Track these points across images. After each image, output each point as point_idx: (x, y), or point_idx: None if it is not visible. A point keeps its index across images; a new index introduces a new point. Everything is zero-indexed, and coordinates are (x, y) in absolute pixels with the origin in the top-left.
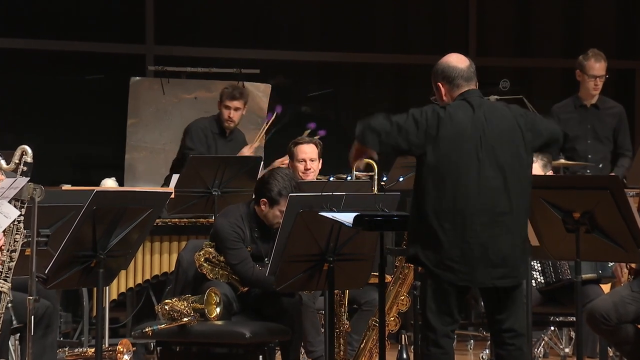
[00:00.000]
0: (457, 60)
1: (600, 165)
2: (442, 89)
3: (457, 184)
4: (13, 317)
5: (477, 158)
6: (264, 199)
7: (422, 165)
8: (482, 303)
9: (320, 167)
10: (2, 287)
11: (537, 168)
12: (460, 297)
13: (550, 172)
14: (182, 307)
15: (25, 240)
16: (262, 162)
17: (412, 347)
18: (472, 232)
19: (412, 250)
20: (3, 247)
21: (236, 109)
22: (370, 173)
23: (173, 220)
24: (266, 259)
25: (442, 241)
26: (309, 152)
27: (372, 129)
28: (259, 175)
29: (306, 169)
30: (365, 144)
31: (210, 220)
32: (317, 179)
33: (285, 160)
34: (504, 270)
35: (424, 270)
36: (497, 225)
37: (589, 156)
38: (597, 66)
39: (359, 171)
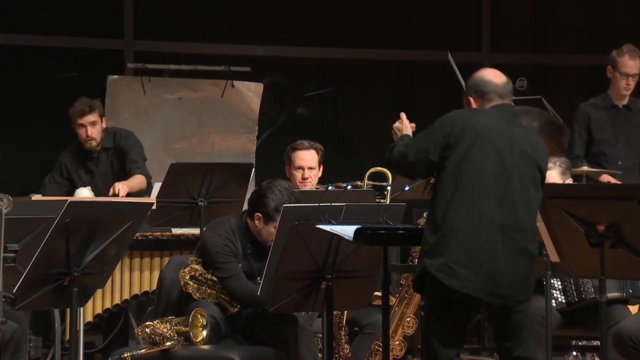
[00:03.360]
0: (493, 75)
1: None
2: (474, 104)
3: (470, 191)
4: None
5: (503, 169)
6: (259, 214)
7: (443, 171)
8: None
9: (320, 175)
10: None
11: (555, 175)
12: (468, 316)
13: (569, 180)
14: (165, 330)
15: None
16: (254, 169)
17: None
18: (486, 243)
19: (419, 268)
20: None
21: (92, 124)
22: (384, 183)
23: (155, 233)
24: (259, 278)
25: (451, 245)
26: (307, 159)
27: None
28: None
29: (303, 179)
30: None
31: (196, 233)
32: (315, 187)
33: None
34: (509, 289)
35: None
36: (513, 241)
37: (619, 162)
38: (631, 64)
39: (370, 180)
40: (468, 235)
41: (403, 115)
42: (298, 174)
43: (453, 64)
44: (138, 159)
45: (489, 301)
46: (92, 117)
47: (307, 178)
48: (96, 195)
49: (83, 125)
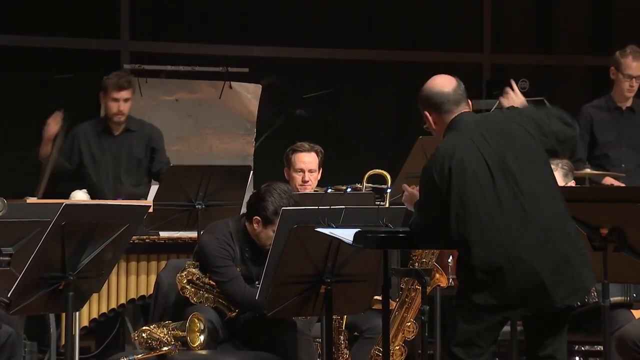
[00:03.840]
0: (441, 84)
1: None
2: (431, 118)
3: (484, 222)
4: None
5: (493, 184)
6: (258, 217)
7: (450, 218)
8: (523, 328)
9: (319, 177)
10: None
11: (558, 177)
12: (499, 328)
13: (572, 183)
14: (162, 335)
15: None
16: (252, 172)
17: None
18: (520, 262)
19: (477, 299)
20: None
21: (125, 100)
22: (383, 186)
23: (151, 237)
24: (257, 282)
25: (495, 284)
26: (308, 161)
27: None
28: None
29: (303, 181)
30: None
31: (193, 237)
32: (314, 190)
33: None
34: (568, 287)
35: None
36: (543, 244)
37: (623, 165)
38: (635, 65)
39: (368, 183)
40: (498, 266)
41: (405, 187)
42: (298, 177)
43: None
44: (167, 161)
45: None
46: (127, 93)
47: (307, 181)
48: (98, 175)
49: (116, 100)
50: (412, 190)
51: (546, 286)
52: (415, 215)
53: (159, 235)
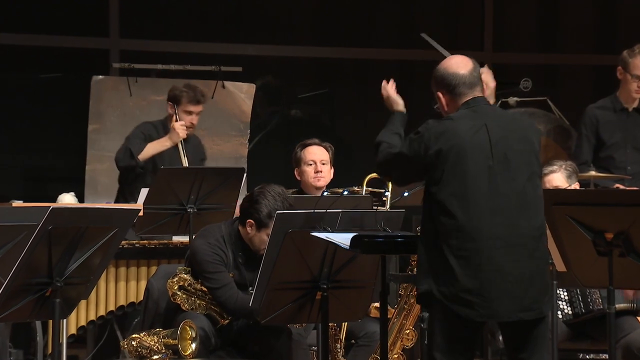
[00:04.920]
0: (457, 65)
1: None
2: (443, 99)
3: (467, 206)
4: None
5: (487, 174)
6: (251, 220)
7: (429, 187)
8: (502, 339)
9: (332, 176)
10: None
11: (561, 179)
12: (475, 332)
13: (576, 185)
14: (152, 343)
15: None
16: (246, 174)
17: None
18: (488, 259)
19: (424, 286)
20: None
21: (198, 114)
22: (381, 190)
23: (141, 242)
24: (250, 289)
25: (456, 272)
26: (319, 153)
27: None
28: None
29: (317, 172)
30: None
31: (185, 241)
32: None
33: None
34: (528, 301)
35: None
36: (517, 249)
37: (628, 167)
38: None
39: (369, 186)
40: (468, 254)
41: (385, 84)
42: (310, 169)
43: (431, 41)
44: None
45: (514, 320)
46: (201, 108)
47: (321, 171)
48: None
49: (190, 113)
50: (393, 95)
51: (506, 293)
52: (389, 156)
53: (149, 239)
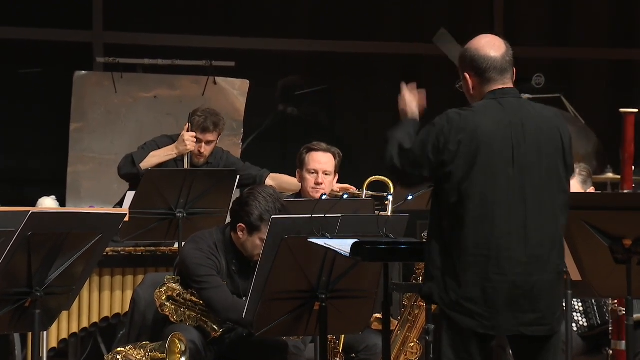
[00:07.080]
0: (489, 46)
1: None
2: (470, 82)
3: (481, 210)
4: None
5: (506, 179)
6: (242, 224)
7: (440, 187)
8: (511, 353)
9: (335, 183)
10: None
11: (576, 184)
12: (485, 346)
13: (591, 189)
14: (139, 357)
15: None
16: (238, 176)
17: None
18: (498, 268)
19: (426, 289)
20: None
21: (208, 143)
22: (383, 194)
23: (127, 248)
24: (244, 298)
25: (461, 279)
26: (323, 162)
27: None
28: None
29: (317, 184)
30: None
31: (173, 248)
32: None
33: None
34: (536, 316)
35: (438, 310)
36: (532, 261)
37: None
38: None
39: (369, 189)
40: (476, 261)
41: (404, 88)
42: (311, 178)
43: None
44: (248, 165)
45: (516, 334)
46: (212, 136)
47: (321, 183)
48: None
49: (199, 141)
50: (411, 105)
51: (512, 306)
52: (398, 150)
53: (135, 246)
